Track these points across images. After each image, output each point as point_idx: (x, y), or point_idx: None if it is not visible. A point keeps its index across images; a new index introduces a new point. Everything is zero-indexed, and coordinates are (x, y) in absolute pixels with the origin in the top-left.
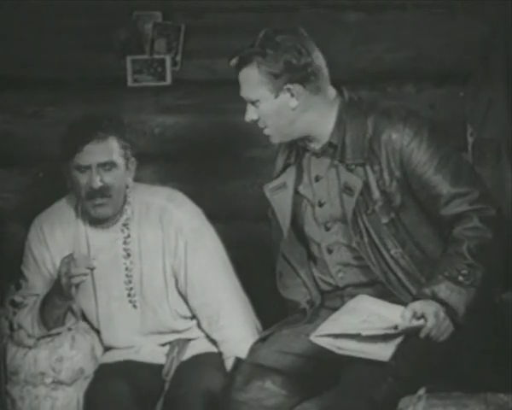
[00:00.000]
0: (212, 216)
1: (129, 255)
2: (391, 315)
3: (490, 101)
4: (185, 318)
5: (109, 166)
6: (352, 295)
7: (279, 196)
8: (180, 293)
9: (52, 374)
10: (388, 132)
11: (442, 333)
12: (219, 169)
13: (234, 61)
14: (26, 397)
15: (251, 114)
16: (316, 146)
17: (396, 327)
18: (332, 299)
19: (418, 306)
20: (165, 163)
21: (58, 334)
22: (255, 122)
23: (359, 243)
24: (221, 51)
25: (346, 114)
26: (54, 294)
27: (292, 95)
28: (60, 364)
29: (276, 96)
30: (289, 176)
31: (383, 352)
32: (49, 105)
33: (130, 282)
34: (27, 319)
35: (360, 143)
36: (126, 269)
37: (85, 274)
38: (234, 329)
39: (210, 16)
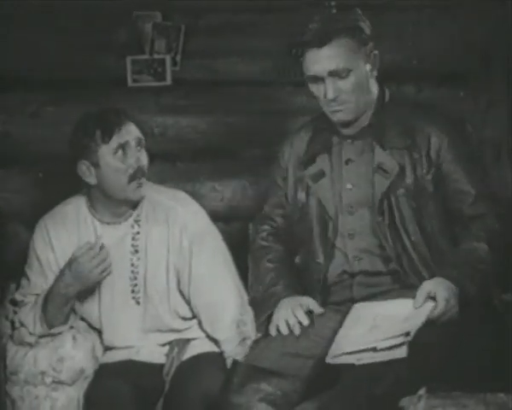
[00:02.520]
0: (212, 216)
1: (136, 251)
2: (395, 310)
3: (490, 101)
4: (184, 319)
5: (140, 145)
6: (362, 284)
7: (320, 183)
8: (182, 294)
9: (52, 374)
10: (431, 126)
11: (446, 316)
12: (219, 169)
13: (321, 32)
14: (25, 397)
15: (335, 90)
16: (352, 130)
17: (408, 334)
18: (339, 291)
19: (431, 285)
20: (166, 163)
21: (59, 333)
22: (333, 101)
23: (379, 224)
24: (221, 51)
25: (385, 100)
26: (63, 290)
27: (374, 62)
28: (60, 364)
29: (366, 63)
30: (324, 163)
31: (400, 351)
32: (49, 105)
33: (135, 278)
34: (29, 316)
35: (401, 129)
36: (132, 265)
37: (109, 267)
38: (236, 328)
39: (210, 16)
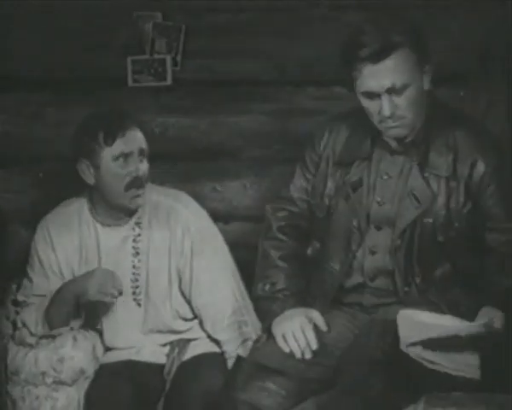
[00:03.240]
0: (212, 216)
1: (137, 254)
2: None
3: (490, 100)
4: (185, 319)
5: (143, 155)
6: (374, 294)
7: (357, 193)
8: (183, 294)
9: (53, 374)
10: (475, 156)
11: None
12: (219, 169)
13: (377, 48)
14: (26, 397)
15: (391, 107)
16: (395, 144)
17: (487, 325)
18: (348, 295)
19: (491, 311)
20: (166, 163)
21: (59, 334)
22: (389, 118)
23: (396, 247)
24: (221, 51)
25: (433, 115)
26: (67, 294)
27: (427, 74)
28: (61, 364)
29: (422, 76)
30: (364, 172)
31: (473, 368)
32: (50, 105)
33: (136, 280)
34: (32, 317)
35: (444, 154)
36: (133, 267)
37: (116, 298)
38: (237, 329)
39: (210, 16)
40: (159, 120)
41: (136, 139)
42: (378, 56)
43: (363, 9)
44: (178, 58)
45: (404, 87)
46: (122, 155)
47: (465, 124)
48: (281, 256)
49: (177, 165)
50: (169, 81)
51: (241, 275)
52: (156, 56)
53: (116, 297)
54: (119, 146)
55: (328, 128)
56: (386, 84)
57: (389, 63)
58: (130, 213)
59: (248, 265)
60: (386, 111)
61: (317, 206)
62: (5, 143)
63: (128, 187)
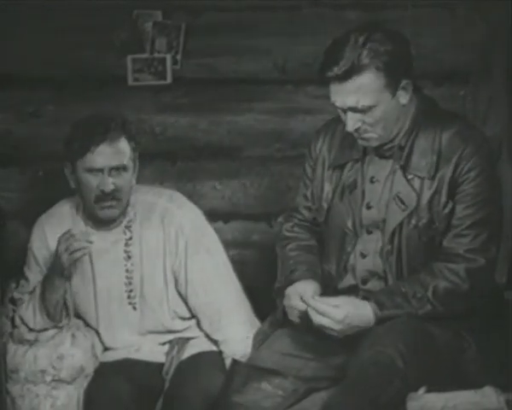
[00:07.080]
0: (212, 215)
1: (129, 257)
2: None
3: (490, 99)
4: (183, 318)
5: (121, 169)
6: (368, 292)
7: (353, 196)
8: (179, 294)
9: (52, 372)
10: (459, 158)
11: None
12: (219, 168)
13: (342, 70)
14: (26, 396)
15: (355, 123)
16: (384, 147)
17: None
18: (345, 294)
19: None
20: (165, 162)
21: (59, 331)
22: (355, 131)
23: (387, 252)
24: (221, 50)
25: (420, 118)
26: (52, 276)
27: (404, 90)
28: (60, 362)
29: (394, 96)
30: (357, 174)
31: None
32: (49, 104)
33: (130, 284)
34: (28, 310)
35: (428, 156)
36: (127, 271)
37: (86, 248)
38: (235, 328)
39: (210, 15)
40: (158, 118)
41: (109, 155)
42: (343, 77)
43: (363, 8)
44: (178, 57)
45: (369, 108)
46: (92, 169)
47: (453, 125)
48: (290, 248)
49: (176, 164)
50: (169, 80)
51: (241, 274)
52: (156, 55)
53: (91, 242)
54: (89, 161)
55: (323, 132)
56: (348, 103)
57: (352, 85)
58: (104, 223)
59: (248, 263)
60: (349, 127)
61: (317, 211)
62: (5, 142)
63: (97, 200)
